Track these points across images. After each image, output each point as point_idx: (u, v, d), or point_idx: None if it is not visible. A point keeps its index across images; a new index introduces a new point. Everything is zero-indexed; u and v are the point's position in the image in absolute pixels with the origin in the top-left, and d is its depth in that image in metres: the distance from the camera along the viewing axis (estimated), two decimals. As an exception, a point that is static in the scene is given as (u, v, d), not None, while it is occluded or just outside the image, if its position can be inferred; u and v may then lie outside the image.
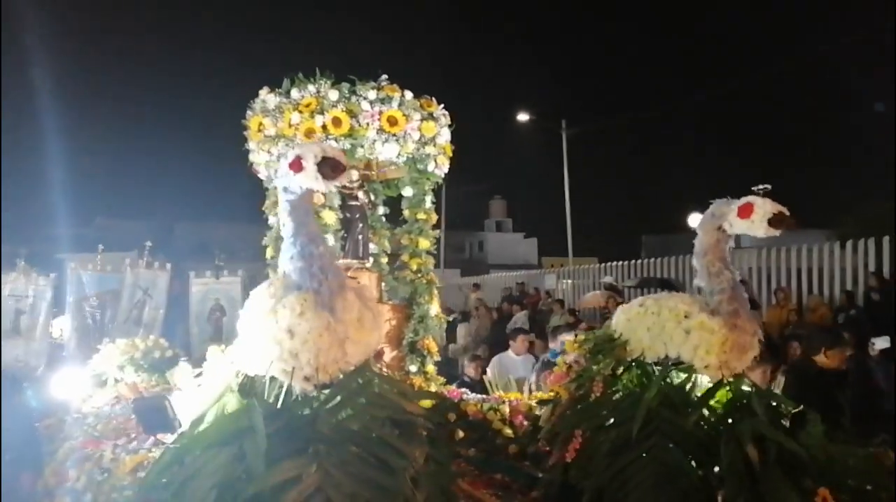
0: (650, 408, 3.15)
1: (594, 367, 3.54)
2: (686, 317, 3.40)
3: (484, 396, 5.17)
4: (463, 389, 5.44)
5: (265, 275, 5.33)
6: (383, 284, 5.72)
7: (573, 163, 22.29)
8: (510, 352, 7.30)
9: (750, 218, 3.29)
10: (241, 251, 12.87)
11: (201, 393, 3.03)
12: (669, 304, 3.49)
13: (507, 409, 4.75)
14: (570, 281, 18.91)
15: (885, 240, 11.73)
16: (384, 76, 5.07)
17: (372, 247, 5.78)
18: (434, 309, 5.39)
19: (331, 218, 5.05)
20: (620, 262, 16.98)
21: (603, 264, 17.97)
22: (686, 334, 3.36)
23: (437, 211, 5.63)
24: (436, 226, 5.53)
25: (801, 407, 3.32)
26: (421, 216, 5.42)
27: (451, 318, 7.96)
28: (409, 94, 5.11)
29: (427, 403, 4.25)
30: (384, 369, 3.84)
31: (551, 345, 6.72)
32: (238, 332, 3.03)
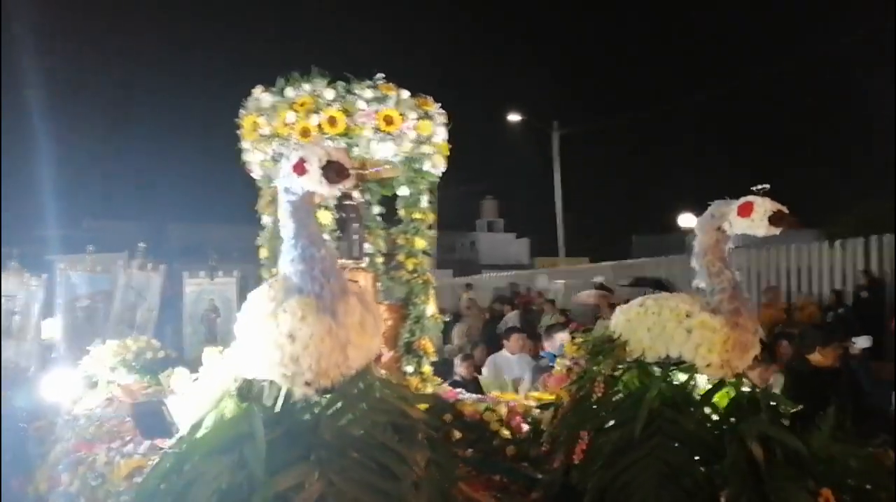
0: (652, 408, 3.14)
1: (594, 368, 3.53)
2: (687, 316, 3.39)
3: (480, 396, 5.16)
4: (458, 389, 5.43)
5: (258, 275, 5.29)
6: (378, 284, 5.69)
7: (564, 163, 22.41)
8: (504, 352, 7.30)
9: (750, 217, 3.29)
10: (233, 252, 12.79)
11: (199, 398, 2.99)
12: (670, 304, 3.48)
13: (504, 410, 4.73)
14: (561, 281, 18.97)
15: (873, 238, 11.84)
16: (380, 75, 5.03)
17: (367, 246, 5.74)
18: (430, 309, 5.35)
19: (327, 218, 5.00)
20: (612, 262, 17.06)
21: (594, 264, 18.05)
22: (687, 333, 3.35)
23: (433, 210, 5.60)
24: (432, 227, 5.50)
25: (801, 406, 3.33)
26: (417, 216, 5.37)
27: (447, 319, 7.93)
28: (405, 93, 5.07)
29: (423, 405, 4.23)
30: (384, 372, 3.81)
31: (546, 345, 6.72)
32: (234, 334, 2.99)
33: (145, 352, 5.93)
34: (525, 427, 4.55)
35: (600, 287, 14.40)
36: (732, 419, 3.19)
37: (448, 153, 5.37)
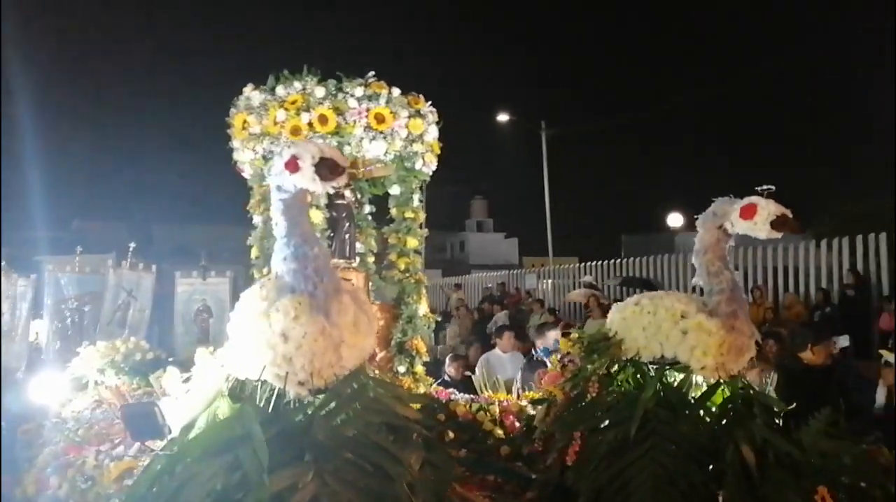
0: (647, 409, 3.11)
1: (589, 367, 3.50)
2: (683, 317, 3.35)
3: (472, 396, 5.14)
4: (450, 390, 5.40)
5: (249, 276, 5.25)
6: (370, 284, 5.66)
7: (553, 163, 22.41)
8: (497, 351, 7.29)
9: (753, 219, 3.24)
10: (223, 252, 12.70)
11: (191, 398, 2.95)
12: (666, 304, 3.44)
13: (497, 410, 4.71)
14: (550, 280, 19.00)
15: (859, 238, 11.92)
16: (371, 73, 5.01)
17: (358, 246, 5.71)
18: (422, 309, 5.33)
19: (318, 217, 4.97)
20: (600, 262, 17.09)
21: (583, 264, 18.07)
22: (683, 335, 3.32)
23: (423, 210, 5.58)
24: (422, 226, 5.47)
25: (794, 405, 3.32)
26: (408, 215, 5.35)
27: (439, 319, 7.91)
28: (396, 91, 5.05)
29: (416, 405, 4.20)
30: (377, 372, 3.78)
31: (539, 343, 6.70)
32: (227, 334, 2.96)
33: (134, 353, 5.88)
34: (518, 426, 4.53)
35: (589, 286, 14.47)
36: (724, 421, 3.16)
37: (439, 151, 5.36)
